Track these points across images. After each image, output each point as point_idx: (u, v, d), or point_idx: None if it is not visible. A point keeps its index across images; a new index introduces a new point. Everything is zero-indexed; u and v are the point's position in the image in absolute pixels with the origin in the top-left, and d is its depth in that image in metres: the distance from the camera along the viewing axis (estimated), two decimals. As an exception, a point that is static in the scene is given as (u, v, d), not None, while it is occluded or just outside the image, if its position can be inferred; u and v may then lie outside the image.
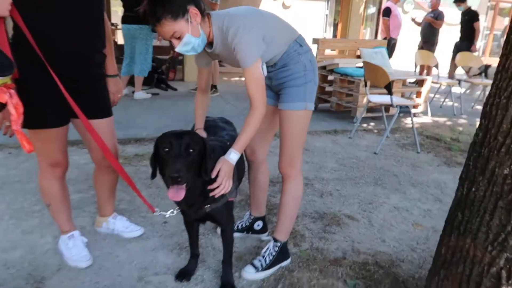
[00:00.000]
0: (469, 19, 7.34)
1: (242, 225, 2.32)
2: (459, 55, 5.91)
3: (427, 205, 2.86)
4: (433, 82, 5.40)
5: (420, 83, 5.24)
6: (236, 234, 2.24)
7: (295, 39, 1.85)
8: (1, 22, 1.38)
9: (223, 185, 1.63)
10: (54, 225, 2.24)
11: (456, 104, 5.95)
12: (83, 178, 3.00)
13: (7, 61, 1.24)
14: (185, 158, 1.47)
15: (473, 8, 7.56)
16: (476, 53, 7.35)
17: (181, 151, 1.47)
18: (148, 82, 6.08)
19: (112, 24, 9.01)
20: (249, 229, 2.31)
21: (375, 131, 4.71)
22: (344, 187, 3.09)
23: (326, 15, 11.24)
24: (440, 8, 7.96)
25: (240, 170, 1.92)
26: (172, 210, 1.74)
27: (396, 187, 3.13)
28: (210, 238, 2.29)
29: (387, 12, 7.59)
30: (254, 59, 1.67)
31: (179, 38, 1.64)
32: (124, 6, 5.24)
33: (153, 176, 1.60)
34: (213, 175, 1.61)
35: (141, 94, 5.52)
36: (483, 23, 12.48)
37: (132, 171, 3.16)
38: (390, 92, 3.79)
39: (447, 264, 1.34)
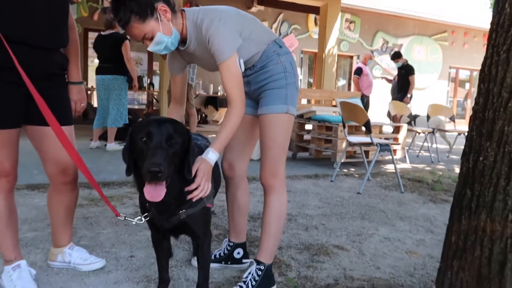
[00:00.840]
0: (405, 73, 7.77)
1: (220, 253, 2.04)
2: (431, 106, 6.09)
3: (419, 235, 2.66)
4: (408, 129, 5.46)
5: (396, 130, 5.29)
6: (213, 265, 1.97)
7: (274, 39, 1.78)
8: None
9: (202, 186, 1.42)
10: (-1, 260, 1.92)
11: (433, 155, 5.99)
12: (41, 217, 2.68)
13: None
14: (167, 150, 1.26)
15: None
16: (408, 105, 7.68)
17: (162, 141, 1.26)
18: (122, 136, 5.89)
19: (89, 89, 9.01)
20: (228, 258, 2.03)
21: (356, 175, 4.59)
22: (330, 221, 2.87)
23: (300, 79, 11.70)
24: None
25: (216, 178, 1.71)
26: (139, 217, 1.48)
27: (384, 221, 2.94)
28: (183, 270, 2.00)
29: (359, 71, 7.96)
30: (230, 52, 1.56)
31: (151, 39, 1.54)
32: (98, 57, 5.23)
33: (129, 171, 1.37)
34: (191, 175, 1.40)
35: (113, 145, 5.31)
36: (446, 88, 13.28)
37: (98, 211, 2.87)
38: (369, 130, 3.75)
39: (460, 253, 1.15)
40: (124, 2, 1.45)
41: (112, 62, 5.13)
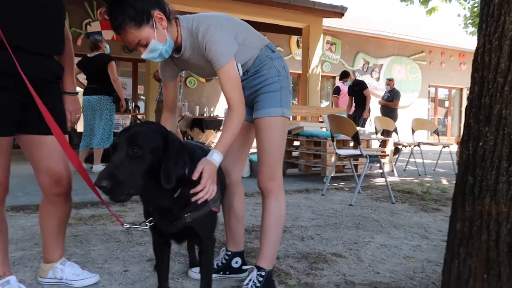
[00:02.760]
0: (359, 89, 7.87)
1: (218, 263, 2.00)
2: (415, 121, 6.22)
3: (414, 242, 2.66)
4: (394, 143, 5.54)
5: (383, 144, 5.36)
6: (211, 276, 1.92)
7: (266, 44, 1.81)
8: None
9: (207, 188, 1.38)
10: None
11: (419, 168, 6.06)
12: (27, 237, 2.59)
13: None
14: (128, 160, 1.16)
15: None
16: (368, 119, 7.81)
17: (122, 150, 1.17)
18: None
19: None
20: (226, 268, 1.98)
21: (347, 189, 4.61)
22: (325, 231, 2.85)
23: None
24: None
25: (221, 181, 1.68)
26: (144, 221, 1.44)
27: (379, 229, 2.93)
28: (181, 282, 1.94)
29: (337, 90, 8.13)
30: (228, 57, 1.56)
31: (146, 46, 1.52)
32: (87, 78, 5.21)
33: None
34: (195, 177, 1.37)
35: (100, 167, 5.20)
36: (426, 106, 13.61)
37: (88, 229, 2.79)
38: (358, 142, 3.79)
39: (466, 240, 1.15)
40: (122, 6, 1.44)
41: (98, 83, 5.11)
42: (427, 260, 2.29)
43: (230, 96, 1.58)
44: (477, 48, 1.21)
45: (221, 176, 1.69)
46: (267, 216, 1.77)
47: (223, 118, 9.45)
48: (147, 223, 1.42)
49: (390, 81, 8.71)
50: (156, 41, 1.51)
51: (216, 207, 1.52)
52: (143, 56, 1.56)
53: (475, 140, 1.16)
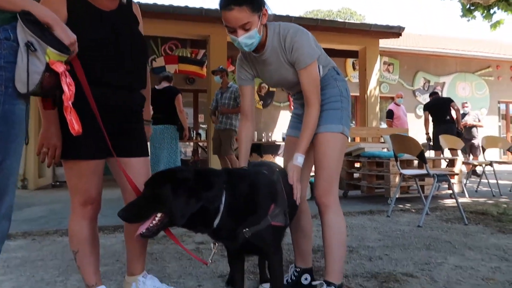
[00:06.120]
0: (443, 104, 7.40)
1: (287, 280, 2.04)
2: (486, 138, 5.88)
3: (493, 263, 2.50)
4: (463, 162, 5.27)
5: (450, 164, 5.12)
6: (280, 292, 1.96)
7: (333, 66, 1.89)
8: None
9: (295, 187, 1.68)
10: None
11: (494, 189, 5.67)
12: (109, 255, 2.80)
13: (65, 46, 1.26)
14: (142, 199, 1.48)
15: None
16: None
17: (144, 191, 1.50)
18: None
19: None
20: (295, 284, 2.02)
21: (413, 210, 4.43)
22: (393, 252, 2.78)
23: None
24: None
25: (288, 197, 1.71)
26: (212, 245, 1.63)
27: (452, 251, 2.80)
28: (252, 297, 2.00)
29: (390, 114, 7.91)
30: (312, 58, 1.73)
31: (247, 30, 1.65)
32: (153, 108, 5.58)
33: None
34: (291, 182, 1.69)
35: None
36: (497, 123, 12.77)
37: (161, 248, 2.96)
38: (424, 161, 3.68)
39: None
40: None
41: (164, 113, 5.45)
42: (509, 282, 2.15)
43: (309, 94, 1.75)
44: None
45: (289, 193, 1.73)
46: (327, 231, 1.79)
47: (281, 143, 9.56)
48: (215, 245, 1.59)
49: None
50: (257, 30, 1.68)
51: (278, 221, 1.54)
52: (240, 38, 1.67)
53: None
